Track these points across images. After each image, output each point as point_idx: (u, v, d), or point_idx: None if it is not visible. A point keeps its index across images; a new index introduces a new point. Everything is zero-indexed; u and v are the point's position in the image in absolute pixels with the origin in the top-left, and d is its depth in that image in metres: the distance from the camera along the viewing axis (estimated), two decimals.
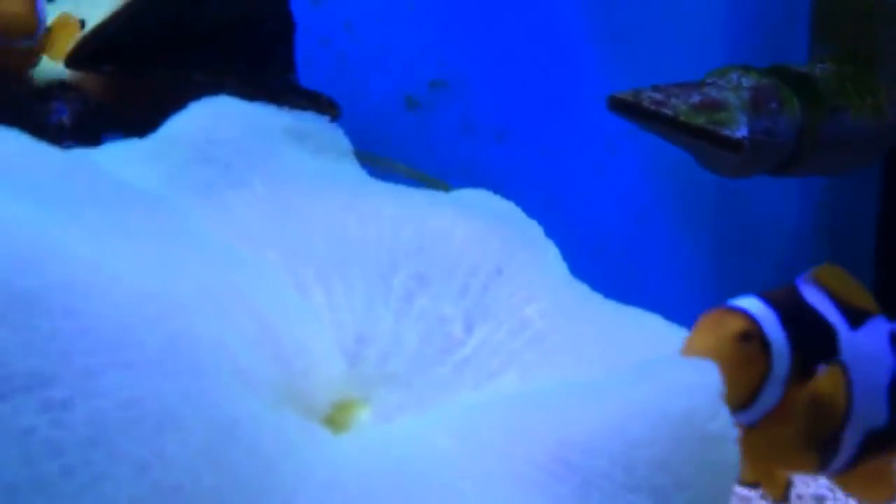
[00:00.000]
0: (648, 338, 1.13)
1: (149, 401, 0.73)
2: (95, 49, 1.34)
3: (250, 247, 1.13)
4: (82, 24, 1.45)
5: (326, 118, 1.38)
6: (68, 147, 1.29)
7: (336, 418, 1.03)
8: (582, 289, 1.22)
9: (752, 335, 0.99)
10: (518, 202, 2.00)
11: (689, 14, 2.13)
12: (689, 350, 1.01)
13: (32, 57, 1.45)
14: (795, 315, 1.03)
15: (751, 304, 1.03)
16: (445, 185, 1.51)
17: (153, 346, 0.77)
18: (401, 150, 1.89)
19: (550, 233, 1.96)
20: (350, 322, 1.11)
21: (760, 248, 2.25)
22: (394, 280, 1.15)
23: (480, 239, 1.20)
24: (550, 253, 1.26)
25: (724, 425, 0.89)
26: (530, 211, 2.05)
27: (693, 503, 0.88)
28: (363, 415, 1.06)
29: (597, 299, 1.22)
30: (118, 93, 1.45)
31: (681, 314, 1.97)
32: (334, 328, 1.10)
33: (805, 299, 1.07)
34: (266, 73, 1.45)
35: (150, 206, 1.05)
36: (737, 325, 1.01)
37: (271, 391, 0.92)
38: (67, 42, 1.44)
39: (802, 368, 1.02)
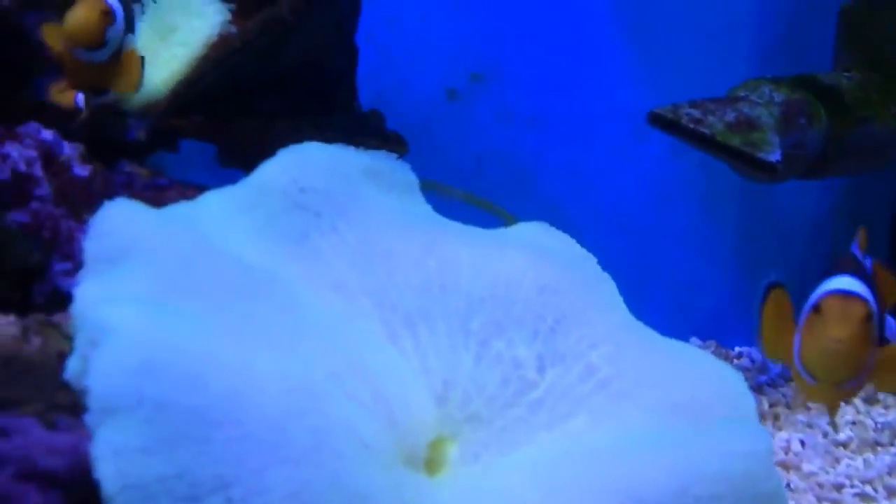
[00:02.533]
0: (704, 379, 1.25)
1: (306, 492, 0.89)
2: (188, 101, 1.45)
3: (345, 296, 1.24)
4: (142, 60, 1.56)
5: (395, 155, 1.49)
6: (164, 184, 1.41)
7: (431, 458, 1.14)
8: (640, 329, 1.31)
9: (871, 316, 1.20)
10: (549, 184, 2.14)
11: (717, 8, 2.23)
12: (827, 337, 1.23)
13: (101, 75, 1.55)
14: (870, 283, 1.24)
15: (854, 285, 1.24)
16: (501, 210, 1.61)
17: (302, 442, 0.91)
18: (440, 138, 2.00)
19: (579, 212, 2.10)
20: (436, 366, 1.22)
21: (780, 230, 2.37)
22: (472, 324, 1.26)
23: (548, 284, 1.30)
24: (609, 290, 1.35)
25: (776, 485, 1.04)
26: (561, 192, 2.19)
27: None
28: (452, 452, 1.17)
29: (654, 339, 1.30)
30: (208, 137, 1.57)
31: (701, 292, 2.12)
32: (424, 373, 1.21)
33: (866, 267, 1.28)
34: (335, 104, 1.55)
35: (265, 284, 1.15)
36: (861, 311, 1.23)
37: (387, 453, 1.05)
38: (135, 75, 1.54)
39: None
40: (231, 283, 1.12)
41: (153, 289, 1.04)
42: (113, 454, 0.84)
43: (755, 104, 1.75)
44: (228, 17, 1.50)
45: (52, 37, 1.51)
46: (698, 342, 1.95)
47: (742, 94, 1.81)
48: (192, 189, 1.44)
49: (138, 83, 1.50)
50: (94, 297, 1.04)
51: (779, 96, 1.82)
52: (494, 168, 2.17)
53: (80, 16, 1.46)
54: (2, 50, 1.66)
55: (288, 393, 0.97)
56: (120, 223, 1.15)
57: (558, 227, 1.70)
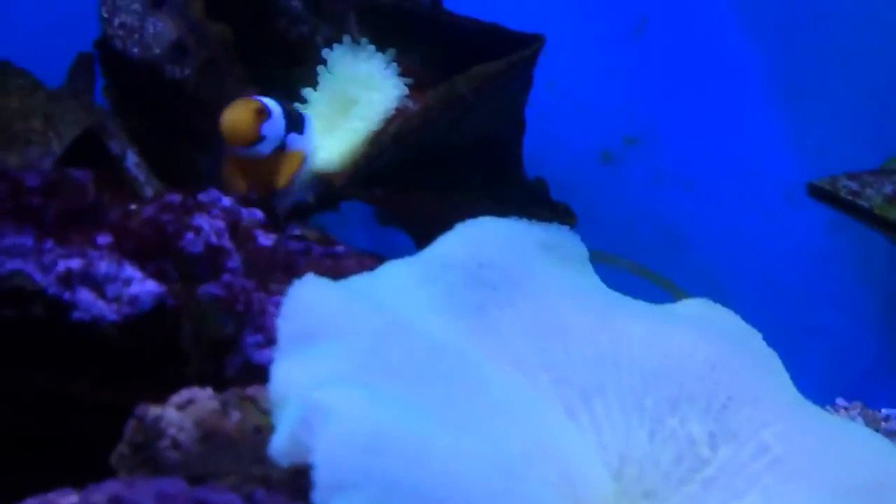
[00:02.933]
0: (880, 460, 1.27)
1: None
2: (368, 175, 1.50)
3: (525, 372, 1.27)
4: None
5: (567, 227, 1.53)
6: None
7: None
8: (809, 406, 1.32)
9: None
10: (702, 247, 2.15)
11: (873, 73, 2.23)
12: None
13: (262, 171, 1.61)
14: None
15: None
16: (668, 282, 1.63)
17: None
18: (593, 201, 2.03)
19: (731, 276, 2.11)
20: (612, 441, 1.24)
21: None
22: (646, 400, 1.28)
23: (718, 361, 1.32)
24: (777, 367, 1.37)
25: None
26: (713, 256, 2.21)
27: None
28: None
29: (824, 417, 1.33)
30: (386, 209, 1.63)
31: (848, 353, 2.11)
32: (601, 448, 1.23)
33: None
34: (506, 175, 1.60)
35: (455, 362, 1.19)
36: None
37: None
38: (290, 173, 1.59)
39: None
40: (425, 362, 1.15)
41: (354, 369, 1.08)
42: None
43: None
44: (406, 91, 1.53)
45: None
46: (844, 403, 1.94)
47: None
48: (367, 258, 1.48)
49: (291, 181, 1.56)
50: (298, 378, 1.08)
51: None
52: (646, 231, 2.19)
53: (233, 115, 1.52)
54: (180, 116, 1.72)
55: (492, 474, 1.01)
56: (312, 301, 1.19)
57: (710, 291, 1.72)
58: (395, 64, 1.58)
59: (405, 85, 1.55)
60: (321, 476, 0.92)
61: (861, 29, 2.21)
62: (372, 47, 1.59)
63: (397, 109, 1.54)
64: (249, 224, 1.42)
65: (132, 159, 1.60)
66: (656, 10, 2.18)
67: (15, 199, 1.18)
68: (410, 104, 1.54)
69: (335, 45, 1.64)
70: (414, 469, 0.94)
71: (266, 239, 1.38)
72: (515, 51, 1.50)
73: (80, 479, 1.03)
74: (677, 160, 2.24)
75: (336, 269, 1.39)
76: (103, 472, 1.06)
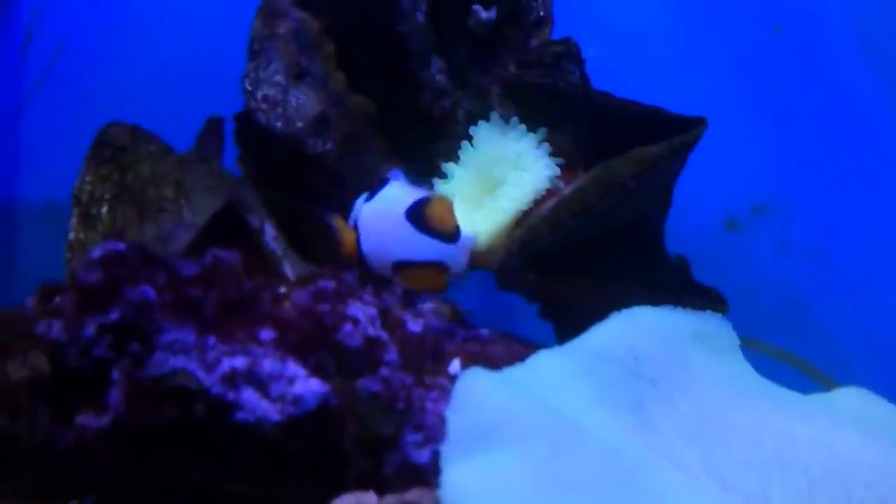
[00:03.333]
0: None
1: None
2: (521, 261, 1.46)
3: (688, 474, 1.25)
4: None
5: (719, 315, 1.48)
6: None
7: None
8: None
9: None
10: (827, 318, 2.10)
11: None
12: None
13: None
14: None
15: None
16: (816, 371, 1.59)
17: None
18: (717, 268, 1.98)
19: (858, 348, 2.05)
20: None
21: None
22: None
23: (887, 466, 1.28)
24: None
25: None
26: (839, 327, 2.15)
27: None
28: None
29: None
30: (539, 296, 1.59)
31: None
32: None
33: None
34: (655, 259, 1.55)
35: (627, 467, 1.17)
36: None
37: None
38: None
39: None
40: (600, 471, 1.14)
41: (533, 483, 1.05)
42: None
43: None
44: (558, 172, 1.50)
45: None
46: None
47: None
48: (513, 343, 1.45)
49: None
50: (475, 489, 1.05)
51: None
52: (770, 300, 2.14)
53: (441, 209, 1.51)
54: (318, 189, 1.70)
55: None
56: (482, 398, 1.19)
57: (835, 366, 1.67)
58: (546, 143, 1.53)
59: (557, 166, 1.49)
60: None
61: None
62: (522, 126, 1.56)
63: (549, 191, 1.49)
64: (393, 305, 1.38)
65: (270, 233, 1.59)
66: (791, 78, 2.13)
67: (174, 290, 1.16)
68: (563, 185, 1.47)
69: (481, 122, 1.61)
70: None
71: (415, 325, 1.36)
72: (673, 133, 1.45)
73: None
74: (806, 229, 2.19)
75: (484, 356, 1.38)
76: None
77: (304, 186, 1.71)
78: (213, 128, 1.89)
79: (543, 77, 1.56)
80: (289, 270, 1.58)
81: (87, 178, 1.72)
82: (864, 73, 2.16)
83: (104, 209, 1.71)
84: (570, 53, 1.62)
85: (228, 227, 1.60)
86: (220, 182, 1.83)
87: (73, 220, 1.69)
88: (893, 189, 2.16)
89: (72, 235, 1.67)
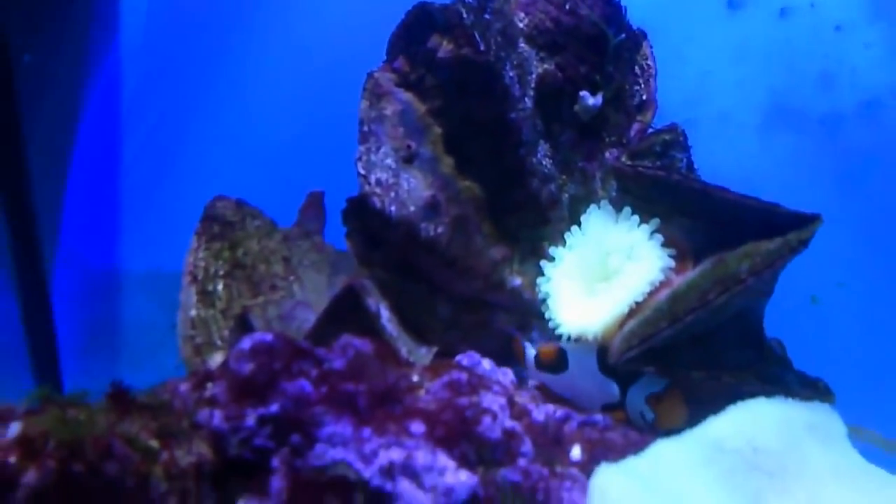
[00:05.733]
0: None
1: None
2: (641, 353, 1.56)
3: None
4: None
5: (828, 406, 1.58)
6: None
7: None
8: None
9: None
10: None
11: None
12: None
13: None
14: None
15: None
16: None
17: None
18: (798, 344, 2.08)
19: None
20: None
21: None
22: None
23: None
24: None
25: None
26: None
27: None
28: None
29: None
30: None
31: None
32: None
33: None
34: (763, 350, 1.64)
35: None
36: None
37: None
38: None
39: None
40: None
41: None
42: None
43: None
44: (671, 263, 1.58)
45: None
46: None
47: None
48: (630, 430, 1.54)
49: None
50: None
51: None
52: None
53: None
54: (428, 270, 1.80)
55: None
56: (614, 494, 1.30)
57: None
58: (658, 234, 1.61)
59: (670, 256, 1.59)
60: None
61: None
62: (635, 216, 1.63)
63: (661, 282, 1.58)
64: (513, 391, 1.49)
65: (385, 315, 1.68)
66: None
67: (327, 383, 1.26)
68: (675, 277, 1.57)
69: (593, 207, 1.67)
70: None
71: (539, 413, 1.45)
72: (789, 228, 1.51)
73: None
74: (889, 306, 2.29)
75: (603, 442, 1.47)
76: None
77: (412, 267, 1.78)
78: (315, 202, 2.01)
79: (658, 168, 1.63)
80: (404, 352, 1.68)
81: (201, 255, 1.81)
82: None
83: (220, 286, 1.81)
84: (678, 142, 1.70)
85: (344, 308, 1.68)
86: (323, 257, 1.94)
87: (193, 298, 1.78)
88: None
89: (193, 313, 1.77)
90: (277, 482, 1.23)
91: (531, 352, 1.68)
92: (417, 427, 1.28)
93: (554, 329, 1.66)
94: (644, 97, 1.87)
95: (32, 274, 2.37)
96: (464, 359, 1.54)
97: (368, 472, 1.23)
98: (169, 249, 2.02)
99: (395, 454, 1.24)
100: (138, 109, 2.39)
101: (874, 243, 2.29)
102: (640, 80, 1.84)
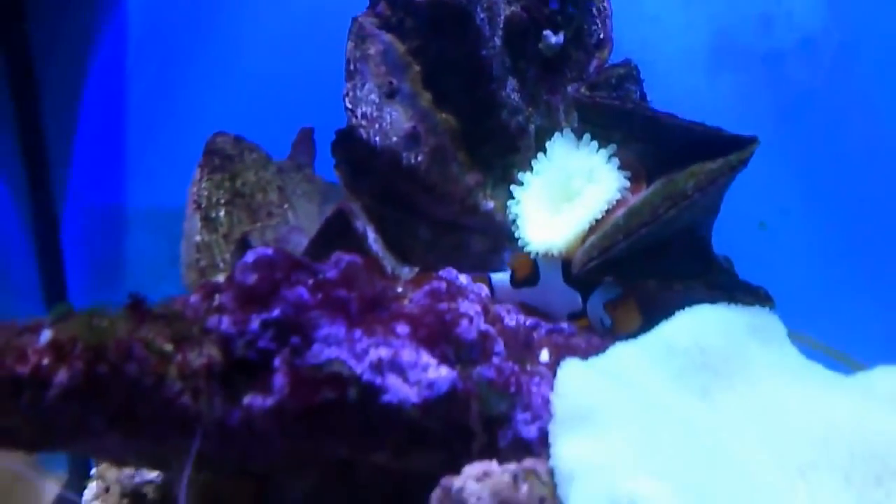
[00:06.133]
0: None
1: None
2: (600, 263, 1.64)
3: (749, 449, 1.40)
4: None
5: (767, 310, 1.66)
6: None
7: None
8: None
9: None
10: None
11: None
12: None
13: None
14: None
15: None
16: (850, 359, 1.75)
17: None
18: (749, 266, 2.14)
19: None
20: None
21: None
22: (854, 476, 1.39)
23: None
24: None
25: None
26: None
27: None
28: None
29: None
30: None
31: None
32: None
33: None
34: (709, 261, 1.72)
35: (706, 444, 1.33)
36: None
37: None
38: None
39: None
40: (687, 447, 1.30)
41: (633, 451, 1.23)
42: None
43: None
44: (627, 184, 1.65)
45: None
46: None
47: None
48: (593, 336, 1.61)
49: None
50: (585, 458, 1.24)
51: None
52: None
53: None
54: (408, 196, 1.87)
55: None
56: (576, 382, 1.36)
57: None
58: (615, 158, 1.67)
59: (625, 178, 1.65)
60: None
61: None
62: (593, 142, 1.69)
63: (618, 201, 1.64)
64: (487, 299, 1.56)
65: (371, 236, 1.75)
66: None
67: (322, 291, 1.33)
68: (630, 196, 1.64)
69: (556, 136, 1.74)
70: None
71: (510, 320, 1.52)
72: (730, 150, 1.57)
73: None
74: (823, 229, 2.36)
75: (568, 346, 1.54)
76: None
77: (395, 193, 1.85)
78: (306, 137, 2.07)
79: (613, 98, 1.68)
80: (389, 269, 1.76)
81: (204, 185, 1.88)
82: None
83: (222, 213, 1.88)
84: (631, 75, 1.77)
85: (334, 230, 1.76)
86: (314, 187, 2.01)
87: (198, 224, 1.85)
88: None
89: (198, 238, 1.83)
90: (279, 379, 1.29)
91: (500, 279, 1.74)
92: (402, 329, 1.34)
93: (523, 247, 1.71)
94: (601, 36, 1.92)
95: (44, 212, 2.43)
96: (443, 274, 1.60)
97: (360, 369, 1.29)
98: (168, 188, 2.08)
99: (384, 352, 1.30)
100: (142, 56, 2.44)
101: (812, 172, 2.36)
102: (598, 21, 1.88)
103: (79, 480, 2.00)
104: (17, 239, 2.29)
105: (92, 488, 1.79)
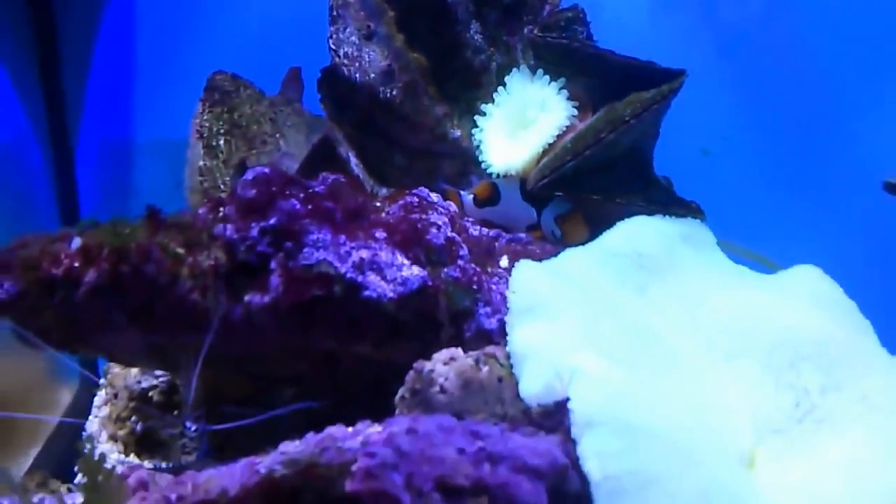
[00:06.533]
0: None
1: (703, 482, 1.17)
2: (551, 182, 1.77)
3: (683, 337, 1.51)
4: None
5: (698, 221, 1.80)
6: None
7: (749, 458, 1.40)
8: None
9: None
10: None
11: None
12: None
13: None
14: None
15: None
16: (772, 263, 1.88)
17: (699, 452, 1.20)
18: (692, 188, 2.25)
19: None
20: (748, 392, 1.47)
21: None
22: (772, 360, 1.50)
23: (828, 329, 1.53)
24: (871, 332, 1.57)
25: None
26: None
27: None
28: (761, 454, 1.41)
29: None
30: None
31: None
32: (741, 398, 1.46)
33: None
34: (649, 179, 1.86)
35: (640, 328, 1.43)
36: None
37: (731, 456, 1.32)
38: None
39: None
40: (625, 331, 1.40)
41: (577, 335, 1.33)
42: (597, 456, 1.12)
43: None
44: (575, 112, 1.76)
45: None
46: None
47: None
48: (547, 245, 1.73)
49: None
50: (536, 341, 1.34)
51: None
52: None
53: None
54: (385, 126, 1.98)
55: (685, 415, 1.26)
56: (533, 281, 1.45)
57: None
58: (565, 90, 1.78)
59: (573, 107, 1.76)
60: (577, 417, 1.16)
61: None
62: (546, 76, 1.79)
63: (567, 127, 1.75)
64: (455, 214, 1.68)
65: (353, 161, 1.87)
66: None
67: (312, 203, 1.45)
68: (578, 123, 1.75)
69: (514, 72, 1.84)
70: (642, 411, 1.17)
71: (475, 230, 1.63)
72: (663, 81, 1.69)
73: (358, 418, 1.21)
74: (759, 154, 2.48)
75: (525, 253, 1.63)
76: (378, 411, 1.26)
77: (373, 123, 1.95)
78: (294, 75, 2.19)
79: (562, 38, 1.78)
80: (368, 189, 1.88)
81: (205, 117, 1.99)
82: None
83: (221, 142, 1.99)
84: (578, 18, 1.86)
85: (321, 155, 1.88)
86: (302, 120, 2.13)
87: (200, 151, 1.96)
88: None
89: (201, 163, 1.96)
90: (275, 279, 1.39)
91: (469, 198, 1.83)
92: (380, 234, 1.45)
93: (486, 168, 1.81)
94: None
95: (61, 143, 2.53)
96: (416, 191, 1.72)
97: (344, 268, 1.40)
98: (173, 120, 2.19)
99: (364, 254, 1.41)
100: (151, 5, 2.54)
101: (749, 103, 2.46)
102: None
103: (89, 389, 2.07)
104: (38, 167, 2.38)
105: (101, 395, 1.85)
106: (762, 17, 2.43)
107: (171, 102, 2.22)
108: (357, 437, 1.13)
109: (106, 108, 2.50)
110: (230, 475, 1.12)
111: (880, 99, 2.40)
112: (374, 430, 1.17)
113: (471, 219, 1.72)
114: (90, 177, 2.55)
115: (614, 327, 1.39)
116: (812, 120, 2.45)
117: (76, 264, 1.36)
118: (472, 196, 1.82)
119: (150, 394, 1.77)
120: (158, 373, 1.74)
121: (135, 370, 1.76)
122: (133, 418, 1.75)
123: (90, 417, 1.85)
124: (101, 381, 1.90)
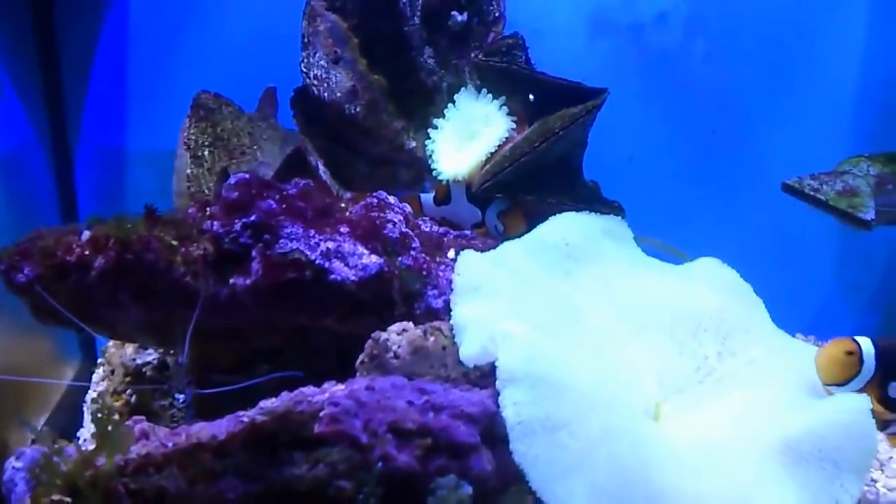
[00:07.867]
0: None
1: (608, 427, 1.30)
2: (492, 185, 1.87)
3: (600, 312, 1.63)
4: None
5: (619, 218, 1.96)
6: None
7: (655, 413, 1.53)
8: (783, 334, 1.66)
9: (854, 353, 1.50)
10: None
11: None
12: (820, 356, 1.49)
13: None
14: (886, 353, 1.52)
15: (863, 340, 1.51)
16: (682, 253, 2.05)
17: (605, 403, 1.34)
18: (619, 191, 2.40)
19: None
20: (655, 358, 1.60)
21: (867, 252, 2.71)
22: (676, 332, 1.63)
23: (724, 306, 1.67)
24: (762, 308, 1.71)
25: (872, 426, 1.37)
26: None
27: (851, 464, 1.36)
28: (666, 409, 1.54)
29: (791, 341, 1.66)
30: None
31: (806, 299, 2.46)
32: (649, 361, 1.59)
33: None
34: (576, 182, 2.01)
35: (565, 305, 1.55)
36: (847, 346, 1.51)
37: (638, 410, 1.45)
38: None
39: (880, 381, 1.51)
40: (550, 305, 1.53)
41: (511, 309, 1.45)
42: (513, 404, 1.26)
43: (856, 176, 2.11)
44: (513, 126, 1.87)
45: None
46: (802, 336, 2.15)
47: (846, 168, 2.16)
48: (489, 239, 1.83)
49: None
50: (474, 315, 1.46)
51: (874, 170, 2.14)
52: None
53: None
54: (350, 138, 2.10)
55: (595, 375, 1.38)
56: (473, 266, 1.57)
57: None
58: (505, 107, 1.90)
59: (512, 121, 1.88)
60: (502, 374, 1.29)
61: None
62: (490, 95, 1.91)
63: (507, 138, 1.88)
64: (409, 213, 1.85)
65: (321, 168, 1.99)
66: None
67: (286, 203, 1.59)
68: (516, 135, 1.87)
69: (461, 91, 1.95)
70: (557, 369, 1.31)
71: (426, 227, 1.74)
72: (588, 99, 1.82)
73: (327, 380, 1.34)
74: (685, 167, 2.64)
75: (469, 246, 1.73)
76: (343, 376, 1.39)
77: (340, 136, 2.07)
78: (270, 95, 2.35)
79: (502, 62, 1.92)
80: (334, 192, 2.02)
81: (192, 131, 2.12)
82: None
83: (206, 152, 2.11)
84: (518, 44, 1.99)
85: (293, 163, 2.04)
86: (277, 133, 2.29)
87: (188, 160, 2.09)
88: None
89: (188, 171, 2.08)
90: (256, 265, 1.51)
91: (429, 198, 1.93)
92: (344, 229, 1.56)
93: (437, 175, 1.91)
94: (497, 14, 2.13)
95: (62, 151, 2.62)
96: (375, 194, 1.80)
97: (314, 256, 1.52)
98: (162, 133, 2.30)
99: (331, 244, 1.53)
100: (144, 26, 2.63)
101: (670, 117, 2.62)
102: (494, 2, 2.12)
103: (89, 365, 2.19)
104: (40, 172, 2.49)
105: (99, 372, 1.94)
106: (681, 41, 2.57)
107: (162, 117, 2.35)
108: (325, 393, 1.27)
109: (103, 119, 2.63)
110: (218, 426, 1.25)
111: (780, 113, 2.55)
112: (338, 387, 1.31)
113: (427, 218, 1.83)
114: (88, 182, 2.66)
115: (542, 304, 1.50)
116: (721, 130, 2.59)
117: (87, 252, 1.48)
118: (432, 195, 1.92)
119: (144, 369, 1.84)
120: (150, 350, 1.82)
121: (130, 349, 1.84)
122: (128, 391, 1.82)
123: (90, 392, 1.96)
124: (99, 359, 1.99)
